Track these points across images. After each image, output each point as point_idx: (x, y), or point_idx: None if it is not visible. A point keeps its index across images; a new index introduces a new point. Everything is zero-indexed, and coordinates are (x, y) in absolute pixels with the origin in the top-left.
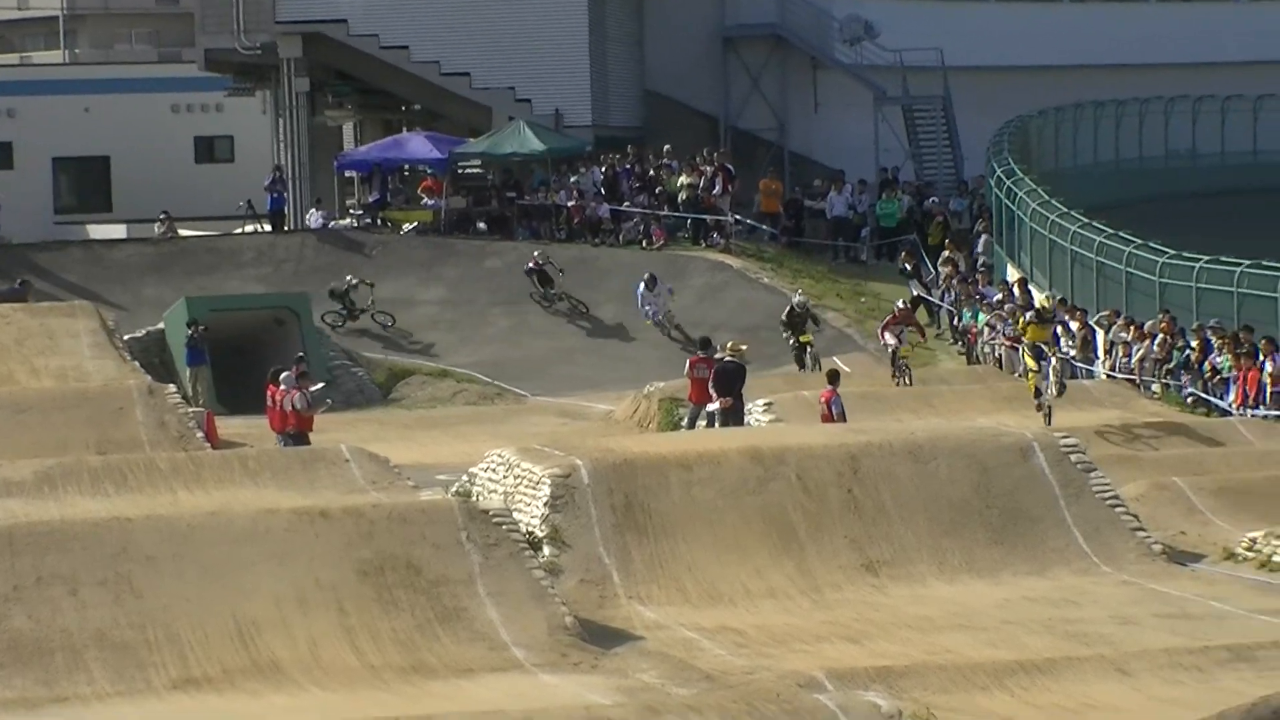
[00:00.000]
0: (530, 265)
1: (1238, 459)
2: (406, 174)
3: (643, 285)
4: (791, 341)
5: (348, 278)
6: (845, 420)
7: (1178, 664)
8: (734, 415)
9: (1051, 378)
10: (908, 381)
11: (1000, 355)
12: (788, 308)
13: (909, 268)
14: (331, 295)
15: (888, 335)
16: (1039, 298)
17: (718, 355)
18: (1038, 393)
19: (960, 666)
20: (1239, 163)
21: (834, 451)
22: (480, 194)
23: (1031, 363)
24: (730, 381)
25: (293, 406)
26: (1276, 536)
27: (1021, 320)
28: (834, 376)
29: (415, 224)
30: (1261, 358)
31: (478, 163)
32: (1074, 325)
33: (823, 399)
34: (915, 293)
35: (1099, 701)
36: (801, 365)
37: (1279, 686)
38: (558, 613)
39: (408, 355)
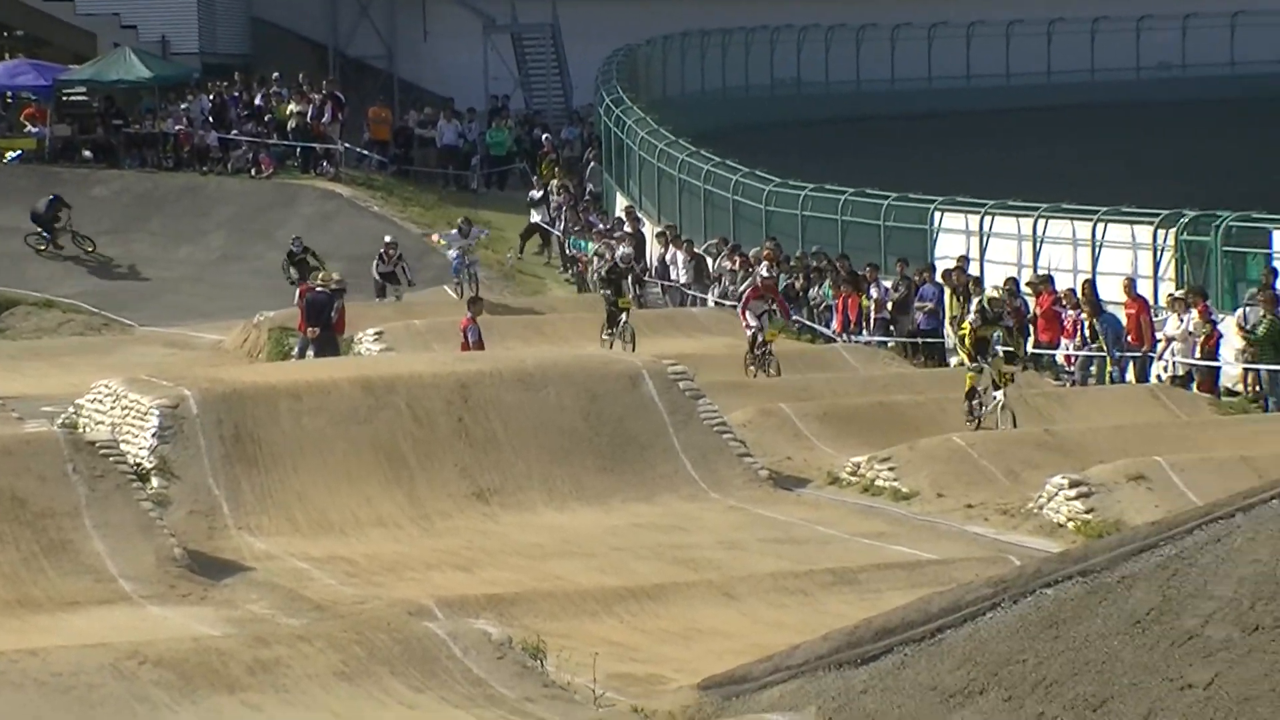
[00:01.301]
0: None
1: (841, 385)
2: (9, 101)
3: (455, 230)
4: (608, 296)
5: (294, 239)
6: (483, 348)
7: (783, 588)
8: (327, 345)
9: (998, 406)
10: (773, 371)
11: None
12: (609, 263)
13: (535, 197)
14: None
15: (749, 316)
16: (988, 289)
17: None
18: (972, 394)
19: (570, 593)
20: (843, 91)
21: (444, 380)
22: (86, 122)
23: (968, 358)
24: (320, 311)
25: None
26: (879, 461)
27: (967, 325)
28: (474, 303)
29: (18, 152)
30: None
31: (83, 90)
32: (681, 255)
33: (462, 326)
34: (534, 220)
35: (705, 625)
36: (613, 324)
37: (881, 608)
38: (166, 544)
39: (10, 285)
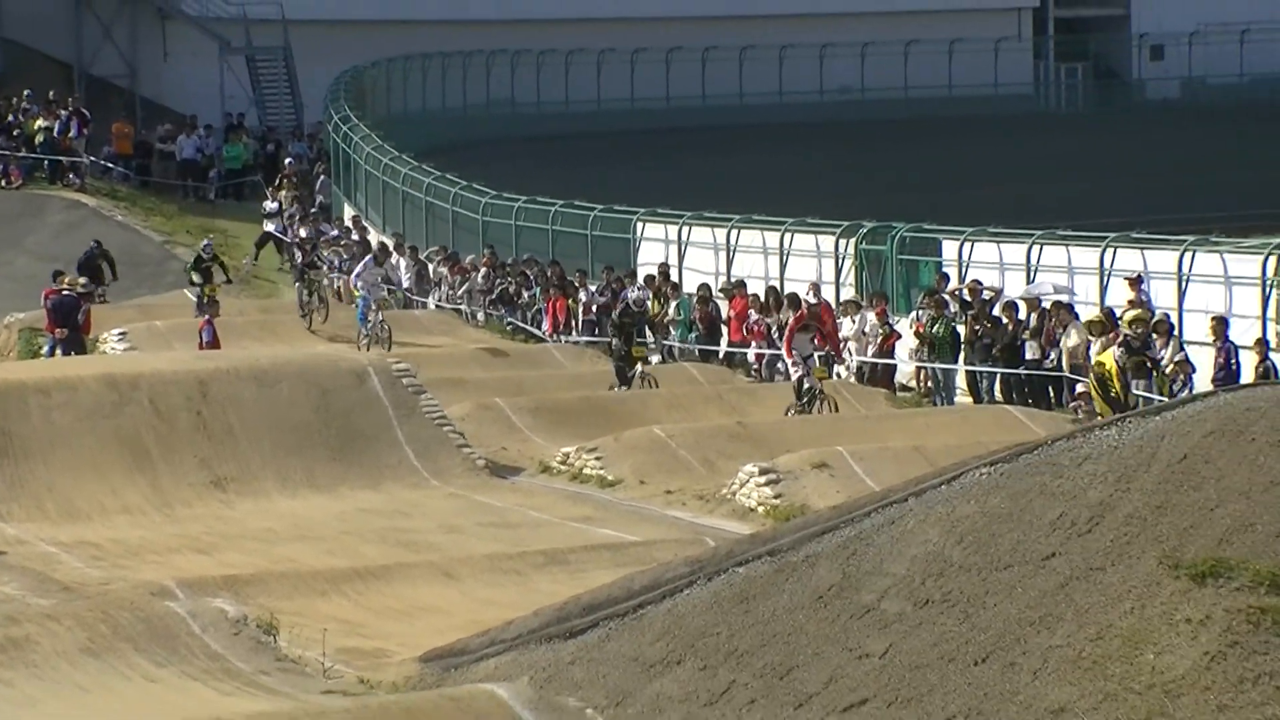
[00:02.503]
0: None
1: (552, 382)
2: None
3: (370, 257)
4: (618, 347)
5: (205, 244)
6: (218, 347)
7: (498, 568)
8: (74, 345)
9: None
10: (832, 408)
11: (339, 288)
12: (620, 305)
13: (270, 208)
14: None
15: (794, 357)
16: (1127, 314)
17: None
18: None
19: (301, 574)
20: (552, 111)
21: (184, 377)
22: None
23: (1100, 397)
24: (68, 313)
25: None
26: (587, 450)
27: (1110, 363)
28: (210, 305)
29: None
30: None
31: None
32: (404, 262)
33: (199, 327)
34: (269, 229)
35: (427, 603)
36: (623, 382)
37: (588, 586)
38: None
39: None
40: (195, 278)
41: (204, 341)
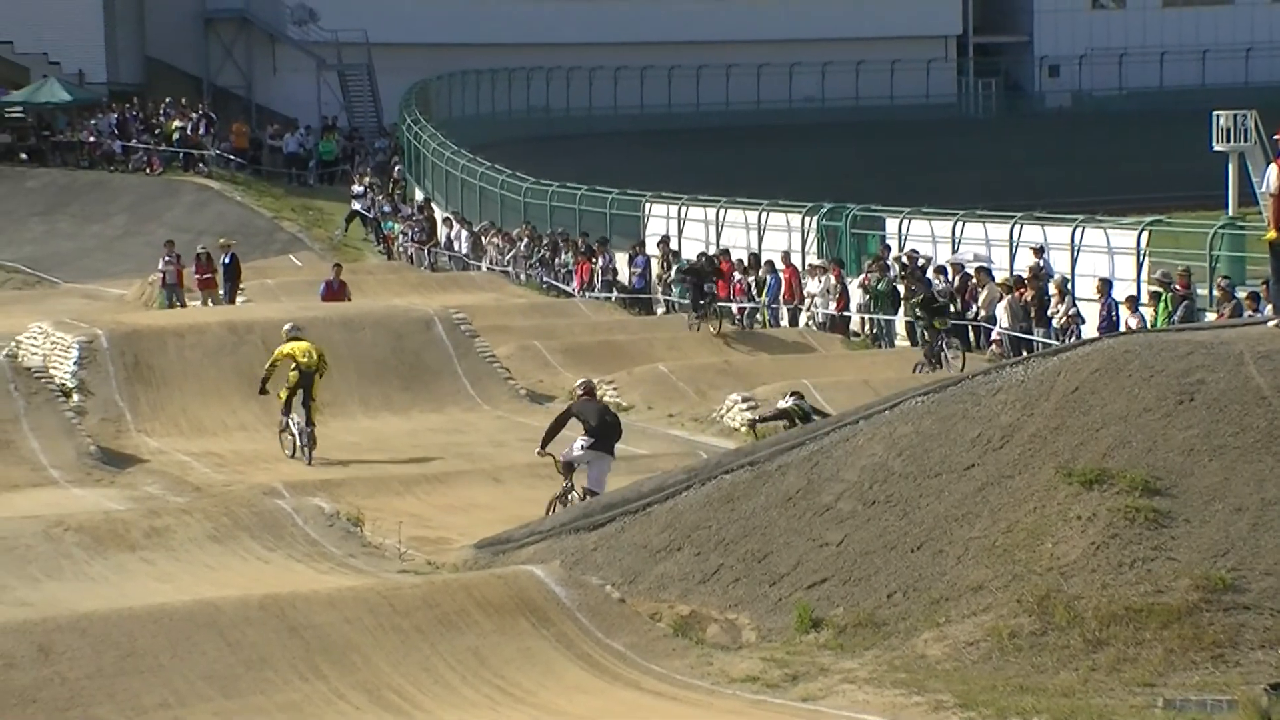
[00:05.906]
0: None
1: (578, 328)
2: None
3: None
4: (920, 319)
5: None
6: (343, 298)
7: (536, 474)
8: (230, 296)
9: None
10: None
11: (411, 254)
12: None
13: (357, 190)
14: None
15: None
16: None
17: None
18: None
19: (381, 478)
20: (579, 115)
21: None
22: (21, 133)
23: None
24: (234, 271)
25: None
26: (606, 382)
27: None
28: (336, 266)
29: None
30: (596, 255)
31: (19, 109)
32: (464, 233)
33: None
34: (355, 207)
35: (480, 501)
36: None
37: (607, 489)
38: (84, 443)
39: None
40: (918, 315)
41: (323, 294)
